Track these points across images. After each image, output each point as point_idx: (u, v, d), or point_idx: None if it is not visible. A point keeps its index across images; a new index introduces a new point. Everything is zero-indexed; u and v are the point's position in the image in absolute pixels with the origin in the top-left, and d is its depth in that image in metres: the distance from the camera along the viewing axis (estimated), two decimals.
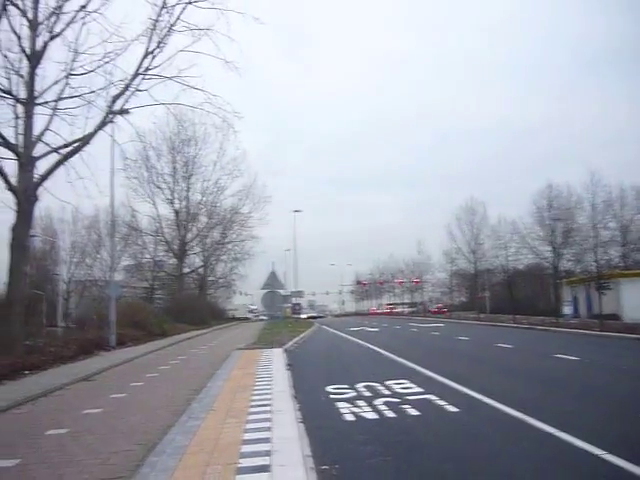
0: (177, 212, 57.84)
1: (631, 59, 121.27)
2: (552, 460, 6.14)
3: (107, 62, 19.55)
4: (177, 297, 55.51)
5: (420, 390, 10.85)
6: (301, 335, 31.11)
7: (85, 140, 19.70)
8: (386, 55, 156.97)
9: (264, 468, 5.63)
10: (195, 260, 63.85)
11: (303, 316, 66.90)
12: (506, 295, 46.43)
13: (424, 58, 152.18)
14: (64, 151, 19.47)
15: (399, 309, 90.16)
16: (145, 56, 20.29)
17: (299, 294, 63.69)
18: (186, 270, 60.93)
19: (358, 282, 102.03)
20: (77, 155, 19.82)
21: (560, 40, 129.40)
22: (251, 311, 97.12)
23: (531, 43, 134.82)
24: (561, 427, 7.24)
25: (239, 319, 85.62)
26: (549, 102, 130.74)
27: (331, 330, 40.33)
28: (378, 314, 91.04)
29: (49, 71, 19.47)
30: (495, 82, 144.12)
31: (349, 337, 30.69)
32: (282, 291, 26.62)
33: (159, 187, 56.65)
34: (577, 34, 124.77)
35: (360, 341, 26.51)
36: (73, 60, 19.16)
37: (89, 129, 19.92)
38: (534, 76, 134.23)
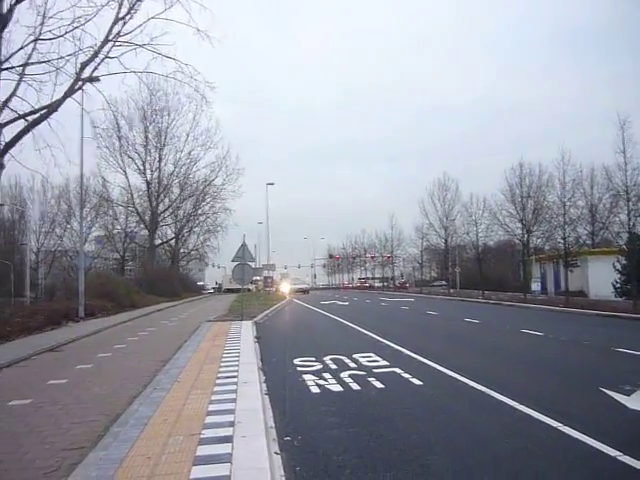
0: (149, 183, 57.15)
1: (608, 41, 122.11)
2: (511, 431, 6.27)
3: (76, 27, 18.98)
4: (148, 269, 55.10)
5: (386, 363, 10.95)
6: (272, 308, 31.17)
7: (53, 107, 19.26)
8: (365, 29, 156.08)
9: (227, 439, 5.64)
10: (167, 232, 63.55)
11: (285, 289, 65.42)
12: (476, 271, 46.90)
13: (403, 33, 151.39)
14: (31, 118, 19.03)
15: (370, 283, 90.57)
16: (115, 22, 19.81)
17: (271, 267, 63.76)
18: (158, 242, 60.56)
19: (330, 256, 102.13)
20: (45, 123, 19.39)
21: (539, 20, 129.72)
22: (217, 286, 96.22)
23: (511, 22, 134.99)
24: (521, 400, 7.40)
25: (212, 292, 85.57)
26: (527, 82, 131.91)
27: (302, 303, 40.45)
28: (350, 288, 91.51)
29: (16, 35, 18.95)
30: (474, 60, 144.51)
31: (319, 310, 30.83)
32: (253, 264, 26.54)
33: (131, 157, 55.93)
34: (556, 14, 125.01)
35: (330, 314, 26.65)
36: (41, 24, 18.58)
37: (57, 96, 19.47)
38: (514, 55, 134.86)
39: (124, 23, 19.92)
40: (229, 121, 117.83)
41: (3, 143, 18.45)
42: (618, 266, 31.65)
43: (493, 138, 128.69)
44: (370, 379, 9.38)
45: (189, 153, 58.36)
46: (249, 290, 57.84)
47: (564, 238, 30.33)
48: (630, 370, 9.99)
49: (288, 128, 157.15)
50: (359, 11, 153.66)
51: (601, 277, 34.34)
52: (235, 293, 58.92)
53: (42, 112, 19.17)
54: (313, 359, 11.71)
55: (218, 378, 9.21)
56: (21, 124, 19.03)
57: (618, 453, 5.27)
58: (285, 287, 67.36)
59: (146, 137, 56.54)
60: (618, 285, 32.37)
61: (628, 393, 7.73)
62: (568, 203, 30.31)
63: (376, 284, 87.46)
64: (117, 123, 50.29)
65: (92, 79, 20.80)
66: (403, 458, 5.40)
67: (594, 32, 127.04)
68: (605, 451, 5.38)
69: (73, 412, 7.39)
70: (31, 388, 9.37)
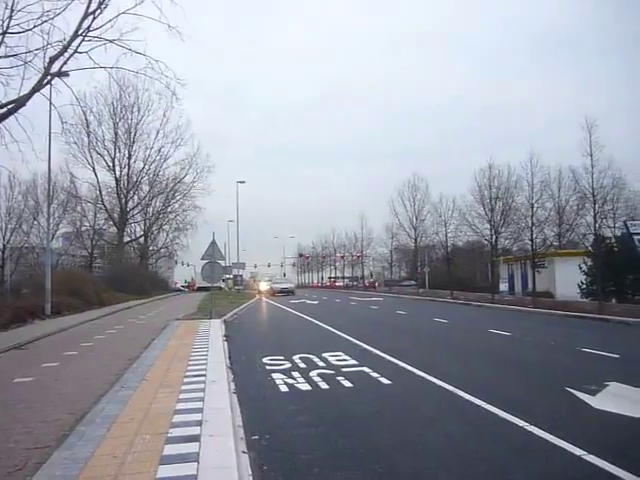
0: (118, 180, 56.55)
1: (577, 46, 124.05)
2: (478, 430, 6.34)
3: (45, 21, 18.71)
4: (117, 266, 54.49)
5: (355, 362, 11.00)
6: (241, 307, 31.13)
7: (20, 102, 18.99)
8: (339, 30, 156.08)
9: (194, 438, 5.62)
10: (136, 229, 62.87)
11: (264, 289, 61.49)
12: (445, 271, 47.24)
13: (377, 34, 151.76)
14: None
15: (340, 283, 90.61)
16: (85, 16, 19.57)
17: (241, 266, 63.51)
18: (127, 239, 59.97)
19: (300, 255, 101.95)
20: (13, 118, 19.13)
21: (512, 26, 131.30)
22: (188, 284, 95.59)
23: (484, 26, 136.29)
24: (488, 400, 7.46)
25: (181, 290, 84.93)
26: (499, 85, 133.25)
27: (272, 302, 40.41)
28: (319, 287, 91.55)
29: None
30: (447, 64, 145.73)
31: (289, 309, 30.82)
32: (222, 262, 26.42)
33: (100, 153, 55.28)
34: (528, 20, 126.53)
35: (300, 313, 26.65)
36: (9, 17, 18.33)
37: (25, 91, 19.20)
38: (486, 59, 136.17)
39: (94, 18, 19.71)
40: (200, 119, 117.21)
41: None
42: (584, 267, 32.16)
43: (464, 140, 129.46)
44: (339, 378, 9.41)
45: (159, 150, 57.92)
46: (220, 288, 57.59)
47: (532, 239, 30.68)
48: (595, 370, 10.17)
49: (260, 127, 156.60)
50: (334, 12, 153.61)
51: (567, 278, 34.82)
52: (207, 291, 58.60)
53: (9, 107, 18.91)
54: (282, 358, 11.71)
55: (186, 377, 9.16)
56: None
57: (583, 452, 5.35)
58: (264, 286, 64.01)
59: (115, 133, 56.00)
60: (584, 286, 32.87)
61: (593, 393, 7.86)
62: (536, 205, 30.66)
63: (346, 283, 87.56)
64: (86, 119, 49.23)
65: (61, 74, 20.54)
66: (370, 457, 5.43)
67: (563, 37, 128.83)
68: (570, 450, 5.45)
69: (39, 411, 7.29)
70: None
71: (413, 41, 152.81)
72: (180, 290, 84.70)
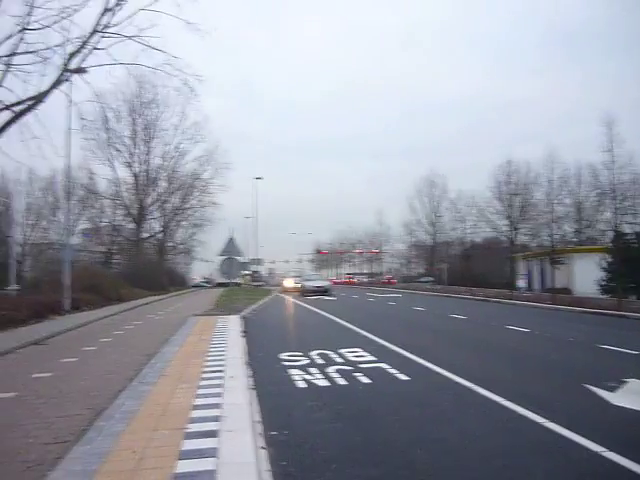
0: (136, 176, 57.00)
1: (597, 42, 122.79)
2: (497, 426, 6.30)
3: (64, 18, 18.85)
4: (135, 262, 54.87)
5: (373, 359, 10.96)
6: (259, 303, 31.13)
7: (39, 98, 19.14)
8: (355, 25, 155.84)
9: (212, 433, 5.62)
10: (154, 225, 63.32)
11: (290, 284, 54.66)
12: (463, 267, 47.06)
13: (392, 31, 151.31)
14: (17, 109, 18.90)
15: (357, 279, 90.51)
16: (104, 13, 19.70)
17: (258, 262, 63.64)
18: (145, 235, 60.34)
19: (318, 251, 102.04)
20: (31, 114, 19.30)
21: (531, 20, 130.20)
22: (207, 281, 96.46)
23: (502, 21, 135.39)
24: (506, 396, 7.42)
25: (200, 286, 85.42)
26: (517, 81, 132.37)
27: (289, 299, 40.44)
28: (337, 283, 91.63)
29: (3, 25, 18.82)
30: (463, 59, 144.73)
31: (306, 305, 30.79)
32: (240, 258, 26.49)
33: (118, 150, 55.85)
34: (548, 14, 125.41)
35: (317, 309, 26.63)
36: (28, 14, 18.46)
37: (44, 87, 19.36)
38: (504, 54, 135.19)
39: (112, 14, 19.86)
40: (218, 115, 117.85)
41: None
42: (603, 264, 31.90)
43: (481, 136, 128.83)
44: (356, 374, 9.38)
45: (177, 146, 58.43)
46: (238, 285, 57.70)
47: (550, 235, 30.51)
48: (614, 367, 10.07)
49: (276, 123, 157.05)
50: (348, 8, 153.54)
51: (586, 275, 34.59)
52: (226, 287, 58.69)
53: (29, 103, 19.07)
54: (300, 354, 11.70)
55: (204, 372, 9.17)
56: (7, 115, 18.91)
57: (602, 449, 5.30)
58: (290, 284, 56.57)
59: (134, 130, 56.48)
60: (603, 283, 32.60)
61: (612, 389, 7.78)
62: (555, 201, 30.51)
63: (364, 279, 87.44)
64: (105, 115, 49.80)
65: (79, 70, 20.68)
66: (389, 453, 5.41)
67: (586, 32, 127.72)
68: (589, 447, 5.41)
69: (58, 405, 7.35)
70: (15, 381, 9.29)
71: (429, 36, 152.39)
72: (201, 285, 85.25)
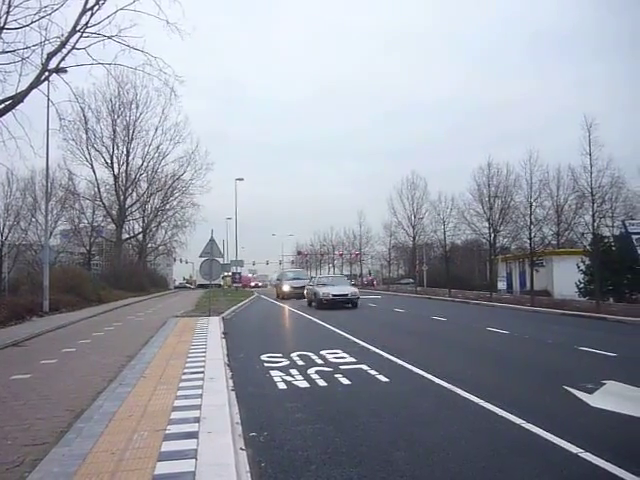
0: (116, 177, 56.53)
1: (577, 46, 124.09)
2: (475, 428, 6.35)
3: (43, 17, 18.66)
4: (115, 263, 54.59)
5: (353, 360, 11.00)
6: (239, 304, 31.13)
7: (18, 98, 18.95)
8: (337, 27, 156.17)
9: (192, 435, 5.62)
10: (134, 226, 63.06)
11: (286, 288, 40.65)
12: (443, 269, 47.25)
13: (374, 33, 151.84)
14: None
15: None
16: (83, 12, 19.54)
17: (239, 263, 63.42)
18: (125, 236, 59.98)
19: (299, 252, 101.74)
20: (10, 114, 19.11)
21: (512, 24, 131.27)
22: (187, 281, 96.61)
23: (483, 24, 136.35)
24: (486, 397, 7.48)
25: (180, 287, 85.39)
26: (498, 84, 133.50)
27: (270, 300, 40.40)
28: None
29: None
30: (444, 61, 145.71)
31: (287, 307, 30.82)
32: (221, 259, 26.42)
33: (98, 150, 55.27)
34: (528, 18, 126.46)
35: (297, 311, 26.67)
36: (7, 13, 18.28)
37: (23, 87, 19.17)
38: (485, 58, 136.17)
39: (92, 14, 19.68)
40: (198, 116, 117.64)
41: None
42: (582, 266, 32.19)
43: (463, 138, 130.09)
44: (337, 375, 9.41)
45: (157, 147, 57.95)
46: (219, 286, 57.54)
47: (530, 238, 30.64)
48: (593, 368, 10.18)
49: (258, 124, 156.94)
50: (332, 9, 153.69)
51: (565, 277, 34.86)
52: (207, 288, 58.52)
53: (7, 103, 18.88)
54: (280, 355, 11.72)
55: (184, 374, 9.16)
56: None
57: (580, 450, 5.37)
58: (288, 288, 47.13)
59: (114, 130, 55.99)
60: (582, 285, 32.89)
61: (590, 391, 7.87)
62: (534, 203, 30.63)
63: None
64: (84, 115, 49.17)
65: (59, 70, 20.51)
66: (368, 454, 5.44)
67: (572, 35, 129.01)
68: (567, 448, 5.47)
69: (36, 407, 7.29)
70: None
71: (412, 39, 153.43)
72: (184, 287, 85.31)
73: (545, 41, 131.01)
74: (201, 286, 70.92)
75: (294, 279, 42.32)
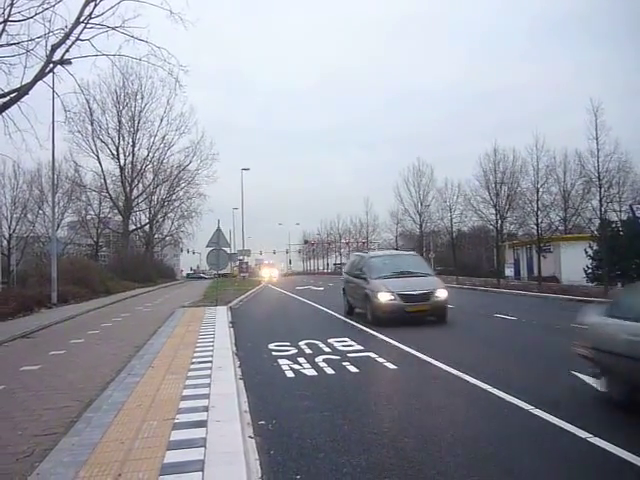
0: (122, 168, 56.54)
1: (584, 31, 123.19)
2: (484, 414, 6.36)
3: (46, 9, 18.66)
4: (122, 255, 54.75)
5: (361, 348, 11.01)
6: (247, 293, 31.18)
7: (23, 90, 18.96)
8: (341, 13, 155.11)
9: (201, 423, 5.64)
10: (141, 217, 63.08)
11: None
12: (450, 256, 47.19)
13: (379, 18, 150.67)
14: (1, 101, 18.74)
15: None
16: (87, 3, 19.52)
17: (246, 253, 63.48)
18: (132, 227, 60.08)
19: (306, 241, 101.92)
20: (16, 107, 19.13)
21: (518, 7, 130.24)
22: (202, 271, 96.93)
23: (488, 8, 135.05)
24: (494, 384, 7.46)
25: (193, 277, 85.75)
26: (503, 69, 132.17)
27: (277, 289, 40.45)
28: (325, 274, 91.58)
29: None
30: (449, 47, 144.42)
31: (294, 296, 30.84)
32: (228, 249, 26.45)
33: (104, 142, 55.25)
34: (536, 2, 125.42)
35: (305, 299, 26.69)
36: (10, 5, 18.27)
37: (28, 79, 19.18)
38: (490, 42, 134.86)
39: (95, 5, 19.70)
40: (204, 106, 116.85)
41: None
42: (590, 252, 32.06)
43: (468, 125, 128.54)
44: (345, 363, 9.42)
45: (163, 138, 57.81)
46: (226, 276, 57.61)
47: (537, 224, 30.60)
48: None
49: (263, 113, 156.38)
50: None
51: (573, 263, 34.71)
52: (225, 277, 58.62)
53: (12, 95, 18.90)
54: (288, 344, 11.73)
55: (192, 363, 9.19)
56: None
57: (588, 435, 5.35)
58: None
59: (119, 121, 55.94)
60: (590, 271, 32.77)
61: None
62: (541, 189, 30.57)
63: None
64: (89, 107, 49.27)
65: (63, 62, 20.48)
66: (377, 441, 5.44)
67: (571, 21, 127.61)
68: (576, 433, 5.47)
69: (46, 398, 7.34)
70: (3, 374, 9.29)
71: (414, 25, 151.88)
72: (200, 277, 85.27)
73: (552, 25, 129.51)
74: (221, 275, 71.13)
75: (400, 275, 16.51)
